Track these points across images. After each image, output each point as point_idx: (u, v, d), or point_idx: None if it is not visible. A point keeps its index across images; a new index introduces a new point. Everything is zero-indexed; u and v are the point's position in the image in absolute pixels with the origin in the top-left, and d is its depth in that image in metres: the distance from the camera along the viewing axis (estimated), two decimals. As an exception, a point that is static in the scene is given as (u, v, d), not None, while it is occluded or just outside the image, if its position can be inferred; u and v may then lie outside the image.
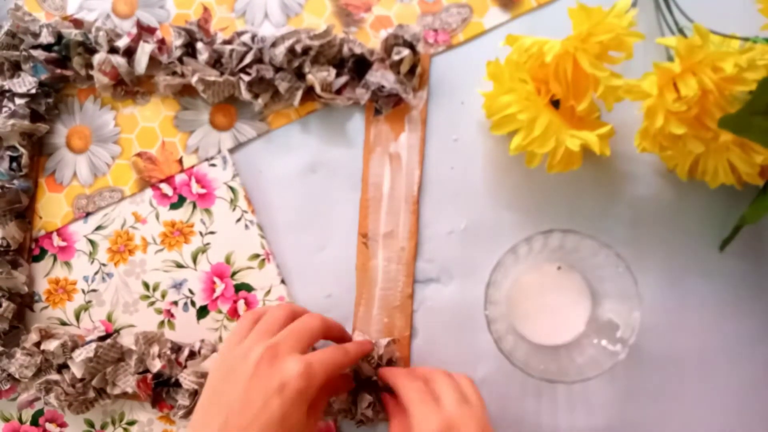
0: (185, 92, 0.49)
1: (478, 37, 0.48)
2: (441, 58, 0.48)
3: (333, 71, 0.46)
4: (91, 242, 0.49)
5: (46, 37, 0.47)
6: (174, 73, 0.47)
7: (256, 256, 0.47)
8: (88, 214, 0.49)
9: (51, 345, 0.45)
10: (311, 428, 0.35)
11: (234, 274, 0.47)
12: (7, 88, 0.47)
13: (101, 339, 0.45)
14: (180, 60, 0.46)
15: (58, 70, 0.48)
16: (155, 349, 0.45)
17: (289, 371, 0.33)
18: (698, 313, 0.44)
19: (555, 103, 0.43)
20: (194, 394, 0.43)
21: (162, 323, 0.48)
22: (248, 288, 0.47)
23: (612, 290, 0.41)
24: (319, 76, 0.45)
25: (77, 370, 0.44)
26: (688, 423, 0.44)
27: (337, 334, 0.41)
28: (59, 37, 0.47)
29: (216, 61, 0.47)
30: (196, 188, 0.48)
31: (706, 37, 0.35)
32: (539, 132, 0.39)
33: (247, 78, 0.45)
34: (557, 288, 0.44)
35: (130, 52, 0.47)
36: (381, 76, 0.45)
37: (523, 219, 0.46)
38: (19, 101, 0.47)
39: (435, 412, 0.35)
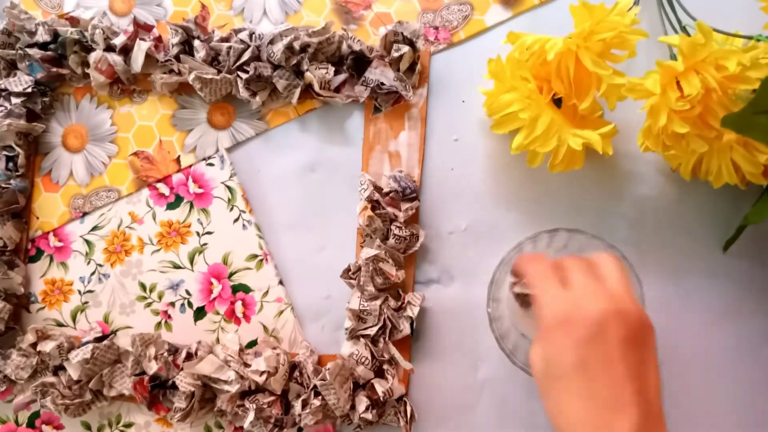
0: (183, 90, 0.48)
1: (479, 34, 0.47)
2: (441, 56, 0.47)
3: (332, 69, 0.45)
4: (88, 243, 0.48)
5: (42, 36, 0.47)
6: (171, 71, 0.47)
7: (254, 256, 0.47)
8: (84, 214, 0.49)
9: (47, 346, 0.45)
10: None
11: (231, 274, 0.47)
12: (3, 87, 0.47)
13: (98, 340, 0.45)
14: (177, 58, 0.46)
15: (54, 69, 0.47)
16: (152, 351, 0.44)
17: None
18: (701, 313, 0.44)
19: (557, 102, 0.42)
20: (191, 397, 0.43)
21: (159, 324, 0.47)
22: (246, 289, 0.47)
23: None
24: (317, 73, 0.45)
25: (74, 372, 0.44)
26: (691, 424, 0.44)
27: None
28: (55, 35, 0.47)
29: (213, 59, 0.46)
30: (193, 188, 0.48)
31: (709, 36, 0.35)
32: (541, 131, 0.38)
33: (244, 76, 0.45)
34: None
35: (126, 50, 0.47)
36: (380, 74, 0.45)
37: (524, 219, 0.45)
38: (15, 100, 0.47)
39: (560, 292, 0.33)
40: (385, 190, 0.45)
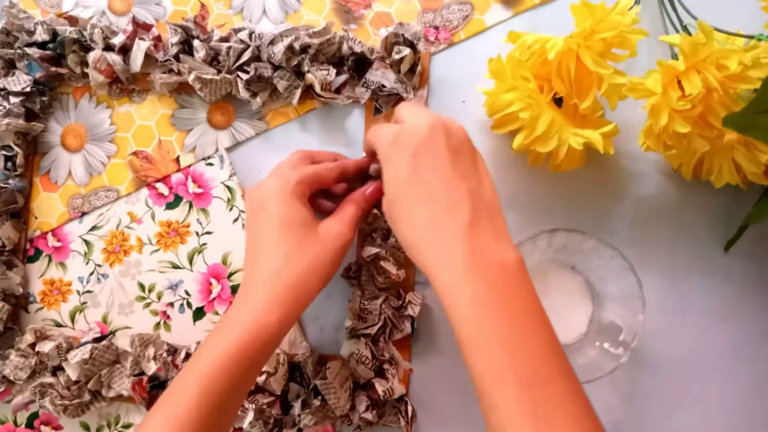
0: (182, 90, 0.48)
1: (479, 34, 0.47)
2: (442, 56, 0.47)
3: (333, 70, 0.45)
4: (86, 243, 0.48)
5: (40, 35, 0.47)
6: (170, 71, 0.47)
7: (254, 256, 0.47)
8: (83, 214, 0.48)
9: (46, 347, 0.45)
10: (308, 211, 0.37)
11: (231, 275, 0.47)
12: (1, 86, 0.47)
13: (96, 341, 0.45)
14: (176, 57, 0.46)
15: (53, 68, 0.47)
16: (151, 351, 0.44)
17: (268, 183, 0.38)
18: (702, 313, 0.44)
19: (558, 102, 0.42)
20: (191, 397, 0.43)
21: (158, 325, 0.47)
22: (246, 289, 0.46)
23: (615, 292, 0.40)
24: (318, 74, 0.44)
25: (72, 372, 0.44)
26: (691, 424, 0.43)
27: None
28: (54, 34, 0.47)
29: (213, 59, 0.46)
30: (192, 188, 0.48)
31: (710, 35, 0.34)
32: (542, 131, 0.38)
33: (245, 76, 0.45)
34: (559, 288, 0.43)
35: (125, 50, 0.47)
36: (381, 75, 0.45)
37: (524, 219, 0.45)
38: (13, 100, 0.47)
39: (391, 126, 0.36)
40: None
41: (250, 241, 0.38)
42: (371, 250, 0.42)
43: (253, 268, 0.36)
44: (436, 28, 0.47)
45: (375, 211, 0.43)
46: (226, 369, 0.32)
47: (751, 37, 0.38)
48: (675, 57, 0.41)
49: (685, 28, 0.42)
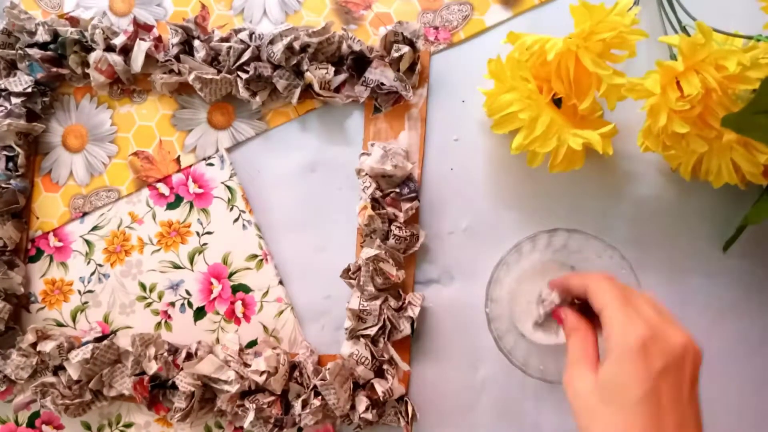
0: (183, 90, 0.48)
1: (479, 34, 0.47)
2: (441, 56, 0.47)
3: (332, 69, 0.45)
4: (88, 243, 0.48)
5: (42, 36, 0.47)
6: (171, 71, 0.47)
7: (254, 256, 0.47)
8: (84, 214, 0.49)
9: (47, 346, 0.45)
10: None
11: (231, 274, 0.47)
12: (3, 87, 0.47)
13: (98, 340, 0.45)
14: (177, 58, 0.46)
15: (54, 69, 0.47)
16: (152, 351, 0.44)
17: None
18: (701, 313, 0.44)
19: (557, 102, 0.42)
20: (191, 397, 0.43)
21: (159, 324, 0.47)
22: (246, 289, 0.47)
23: (614, 292, 0.40)
24: (317, 73, 0.45)
25: (74, 372, 0.44)
26: (690, 425, 0.43)
27: None
28: (55, 35, 0.47)
29: (213, 59, 0.46)
30: (193, 188, 0.48)
31: (709, 36, 0.34)
32: (541, 131, 0.38)
33: (244, 76, 0.45)
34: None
35: (126, 50, 0.47)
36: (380, 74, 0.45)
37: (524, 219, 0.45)
38: (15, 100, 0.47)
39: (637, 317, 0.31)
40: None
41: None
42: (370, 251, 0.42)
43: None
44: (436, 28, 0.47)
45: (371, 212, 0.43)
46: None
47: (750, 38, 0.38)
48: (674, 57, 0.41)
49: (684, 29, 0.42)
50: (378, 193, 0.44)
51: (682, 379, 0.30)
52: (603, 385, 0.30)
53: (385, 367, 0.44)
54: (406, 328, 0.43)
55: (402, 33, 0.44)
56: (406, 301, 0.44)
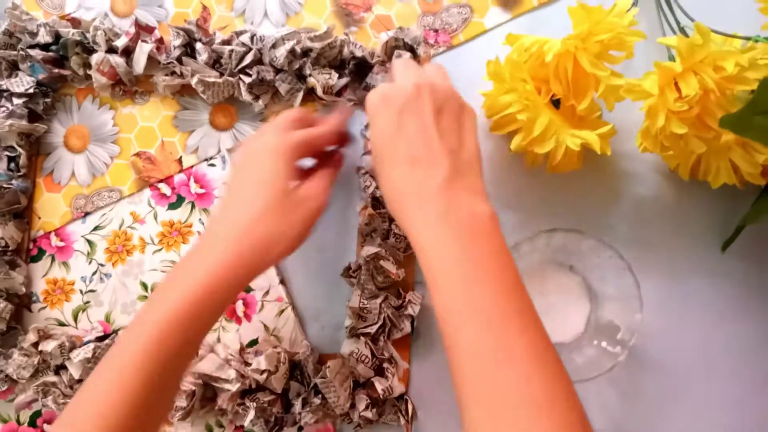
0: (185, 92, 0.49)
1: (478, 37, 0.47)
2: (441, 59, 0.47)
3: (335, 74, 0.45)
4: (89, 242, 0.49)
5: (43, 37, 0.47)
6: (173, 74, 0.47)
7: (255, 256, 0.47)
8: (86, 214, 0.49)
9: (49, 346, 0.45)
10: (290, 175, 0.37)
11: (233, 274, 0.47)
12: (4, 87, 0.47)
13: (99, 339, 0.45)
14: (179, 60, 0.46)
15: (56, 70, 0.48)
16: (153, 350, 0.44)
17: (266, 140, 0.38)
18: (700, 314, 0.44)
19: (556, 103, 0.42)
20: (192, 395, 0.43)
21: (160, 324, 0.47)
22: (246, 288, 0.47)
23: (613, 292, 0.41)
24: (320, 78, 0.45)
25: (75, 371, 0.44)
26: (689, 425, 0.44)
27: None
28: (57, 36, 0.47)
29: (215, 62, 0.46)
30: (194, 188, 0.48)
31: (707, 37, 0.35)
32: (539, 132, 0.38)
33: (247, 79, 0.45)
34: (558, 288, 0.44)
35: (128, 52, 0.47)
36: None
37: (523, 219, 0.45)
38: (16, 101, 0.47)
39: (384, 84, 0.37)
40: None
41: (226, 193, 0.38)
42: (371, 250, 0.43)
43: (220, 221, 0.36)
44: (436, 30, 0.48)
45: (371, 211, 0.43)
46: (177, 324, 0.32)
47: (748, 39, 0.38)
48: (672, 59, 0.41)
49: (682, 30, 0.42)
50: (378, 192, 0.44)
51: (422, 109, 0.35)
52: (373, 147, 0.36)
53: (385, 365, 0.44)
54: (406, 327, 0.44)
55: (403, 39, 0.44)
56: (407, 300, 0.44)
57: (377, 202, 0.44)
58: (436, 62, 0.38)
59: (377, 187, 0.44)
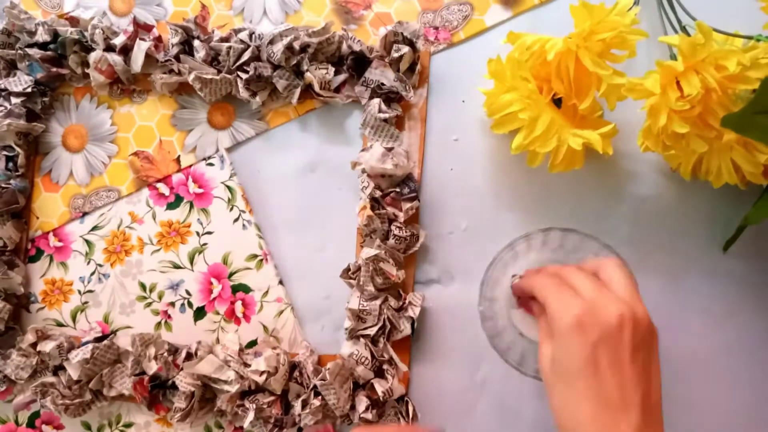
0: (183, 90, 0.48)
1: (479, 34, 0.47)
2: (442, 56, 0.47)
3: (332, 69, 0.45)
4: (88, 242, 0.48)
5: (41, 36, 0.47)
6: (171, 71, 0.47)
7: (254, 256, 0.47)
8: (84, 214, 0.49)
9: (47, 346, 0.45)
10: None
11: (231, 274, 0.47)
12: (2, 86, 0.47)
13: (98, 340, 0.45)
14: (177, 58, 0.46)
15: (54, 69, 0.47)
16: (152, 351, 0.44)
17: None
18: (701, 313, 0.44)
19: (557, 102, 0.42)
20: (191, 397, 0.43)
21: (159, 324, 0.47)
22: (246, 289, 0.47)
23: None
24: (317, 73, 0.45)
25: (74, 372, 0.44)
26: (690, 425, 0.43)
27: None
28: (55, 35, 0.47)
29: (213, 59, 0.46)
30: (193, 188, 0.48)
31: (709, 36, 0.34)
32: (541, 131, 0.38)
33: (244, 76, 0.45)
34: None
35: (126, 50, 0.47)
36: (380, 74, 0.45)
37: (524, 219, 0.45)
38: (15, 100, 0.47)
39: (573, 297, 0.33)
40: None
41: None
42: (370, 252, 0.42)
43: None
44: (436, 28, 0.47)
45: (370, 213, 0.43)
46: None
47: (750, 38, 0.38)
48: (674, 58, 0.41)
49: (684, 29, 0.42)
50: (377, 193, 0.44)
51: (620, 346, 0.32)
52: (553, 363, 0.33)
53: (384, 367, 0.44)
54: (406, 328, 0.43)
55: (402, 33, 0.44)
56: (407, 302, 0.44)
57: (377, 203, 0.44)
58: (613, 261, 0.35)
59: (376, 188, 0.44)
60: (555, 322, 0.33)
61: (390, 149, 0.44)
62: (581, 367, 0.32)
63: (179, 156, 0.48)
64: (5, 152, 0.47)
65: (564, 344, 0.33)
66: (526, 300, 0.40)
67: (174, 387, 0.44)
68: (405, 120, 0.46)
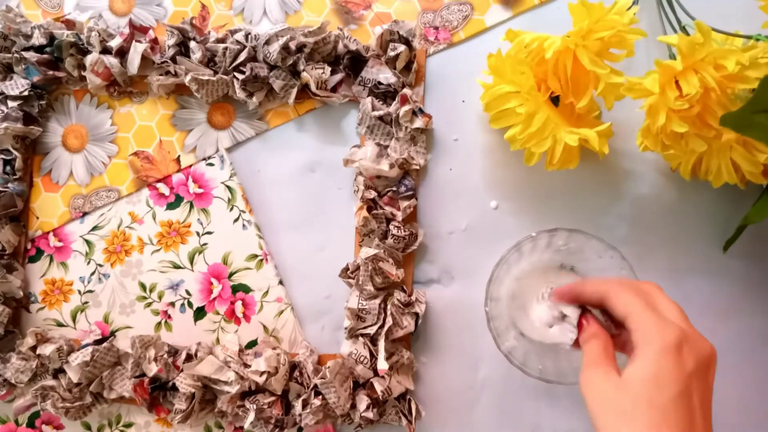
0: (183, 91, 0.48)
1: (479, 34, 0.47)
2: (441, 56, 0.47)
3: (328, 68, 0.45)
4: (88, 242, 0.48)
5: (38, 39, 0.47)
6: (167, 73, 0.47)
7: (254, 256, 0.47)
8: (84, 214, 0.49)
9: (47, 349, 0.45)
10: None
11: (231, 274, 0.47)
12: (-1, 90, 0.47)
13: (97, 343, 0.45)
14: (173, 59, 0.46)
15: (51, 72, 0.47)
16: (152, 353, 0.44)
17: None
18: (701, 313, 0.44)
19: (555, 102, 0.42)
20: (191, 398, 0.43)
21: (159, 325, 0.47)
22: (246, 289, 0.47)
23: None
24: (314, 73, 0.45)
25: (74, 375, 0.44)
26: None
27: None
28: (51, 38, 0.47)
29: (209, 60, 0.46)
30: (193, 188, 0.48)
31: (708, 35, 0.34)
32: (536, 128, 0.38)
33: (241, 76, 0.45)
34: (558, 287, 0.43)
35: (122, 53, 0.47)
36: (377, 73, 0.45)
37: (524, 219, 0.45)
38: (11, 104, 0.47)
39: (668, 322, 0.32)
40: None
41: None
42: (369, 252, 0.42)
43: None
44: (436, 28, 0.47)
45: (366, 214, 0.43)
46: None
47: (749, 38, 0.38)
48: (673, 57, 0.41)
49: (683, 29, 0.42)
50: (372, 194, 0.44)
51: (708, 382, 0.31)
52: (633, 384, 0.30)
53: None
54: (409, 325, 0.43)
55: (398, 32, 0.44)
56: (414, 298, 0.44)
57: (374, 203, 0.44)
58: (659, 287, 0.34)
59: (372, 188, 0.44)
60: (651, 340, 0.31)
61: (386, 147, 0.44)
62: (676, 395, 0.30)
63: (179, 156, 0.48)
64: (2, 156, 0.47)
65: (662, 365, 0.30)
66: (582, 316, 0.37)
67: (174, 388, 0.44)
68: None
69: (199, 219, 0.48)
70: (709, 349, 0.31)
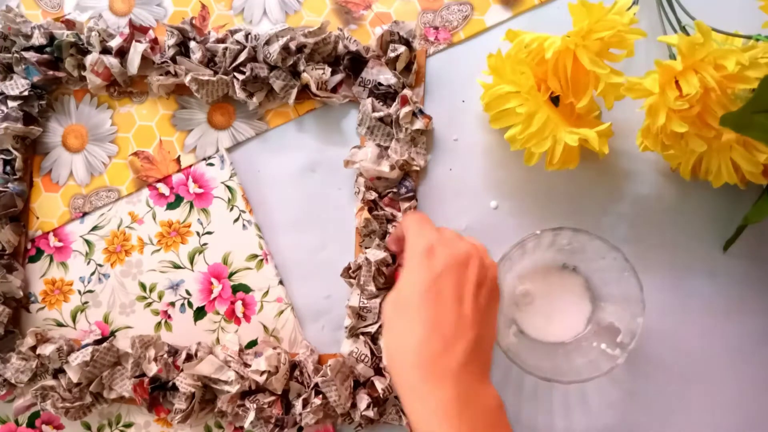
0: (183, 91, 0.48)
1: (479, 34, 0.47)
2: (442, 56, 0.47)
3: (328, 69, 0.45)
4: (88, 242, 0.48)
5: (38, 39, 0.47)
6: (167, 73, 0.47)
7: (254, 256, 0.47)
8: (84, 214, 0.49)
9: (47, 350, 0.45)
10: None
11: (231, 274, 0.47)
12: (-1, 90, 0.47)
13: (97, 343, 0.45)
14: (173, 59, 0.46)
15: (51, 72, 0.47)
16: (152, 353, 0.44)
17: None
18: (701, 313, 0.44)
19: (555, 102, 0.42)
20: (191, 398, 0.43)
21: (159, 324, 0.47)
22: (246, 289, 0.47)
23: (616, 294, 0.41)
24: (314, 74, 0.45)
25: (74, 375, 0.44)
26: (690, 424, 0.44)
27: None
28: (51, 38, 0.47)
29: (209, 60, 0.46)
30: (193, 188, 0.48)
31: (708, 35, 0.34)
32: (536, 128, 0.38)
33: (241, 77, 0.45)
34: (560, 287, 0.44)
35: (122, 53, 0.47)
36: (377, 73, 0.45)
37: (524, 219, 0.45)
38: (11, 104, 0.47)
39: (431, 232, 0.35)
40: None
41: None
42: (378, 254, 0.42)
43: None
44: (436, 28, 0.47)
45: (367, 215, 0.43)
46: None
47: (749, 38, 0.38)
48: (673, 57, 0.41)
49: (683, 29, 0.42)
50: (373, 195, 0.44)
51: (465, 281, 0.33)
52: (396, 296, 0.34)
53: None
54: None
55: (398, 33, 0.44)
56: None
57: (375, 204, 0.44)
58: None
59: (373, 189, 0.44)
60: (409, 253, 0.34)
61: (386, 148, 0.44)
62: (423, 293, 0.32)
63: (179, 156, 0.48)
64: (2, 156, 0.47)
65: (410, 273, 0.33)
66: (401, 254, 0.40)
67: (174, 388, 0.44)
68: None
69: (199, 219, 0.48)
70: (463, 250, 0.33)
